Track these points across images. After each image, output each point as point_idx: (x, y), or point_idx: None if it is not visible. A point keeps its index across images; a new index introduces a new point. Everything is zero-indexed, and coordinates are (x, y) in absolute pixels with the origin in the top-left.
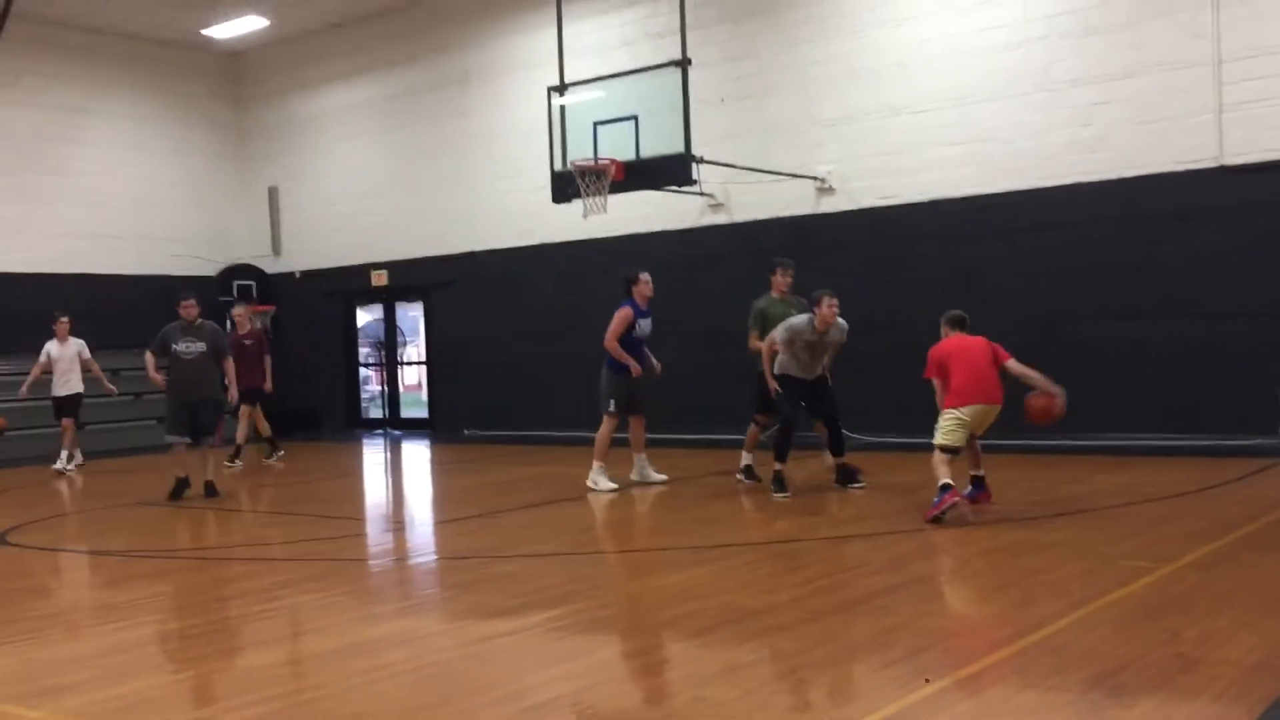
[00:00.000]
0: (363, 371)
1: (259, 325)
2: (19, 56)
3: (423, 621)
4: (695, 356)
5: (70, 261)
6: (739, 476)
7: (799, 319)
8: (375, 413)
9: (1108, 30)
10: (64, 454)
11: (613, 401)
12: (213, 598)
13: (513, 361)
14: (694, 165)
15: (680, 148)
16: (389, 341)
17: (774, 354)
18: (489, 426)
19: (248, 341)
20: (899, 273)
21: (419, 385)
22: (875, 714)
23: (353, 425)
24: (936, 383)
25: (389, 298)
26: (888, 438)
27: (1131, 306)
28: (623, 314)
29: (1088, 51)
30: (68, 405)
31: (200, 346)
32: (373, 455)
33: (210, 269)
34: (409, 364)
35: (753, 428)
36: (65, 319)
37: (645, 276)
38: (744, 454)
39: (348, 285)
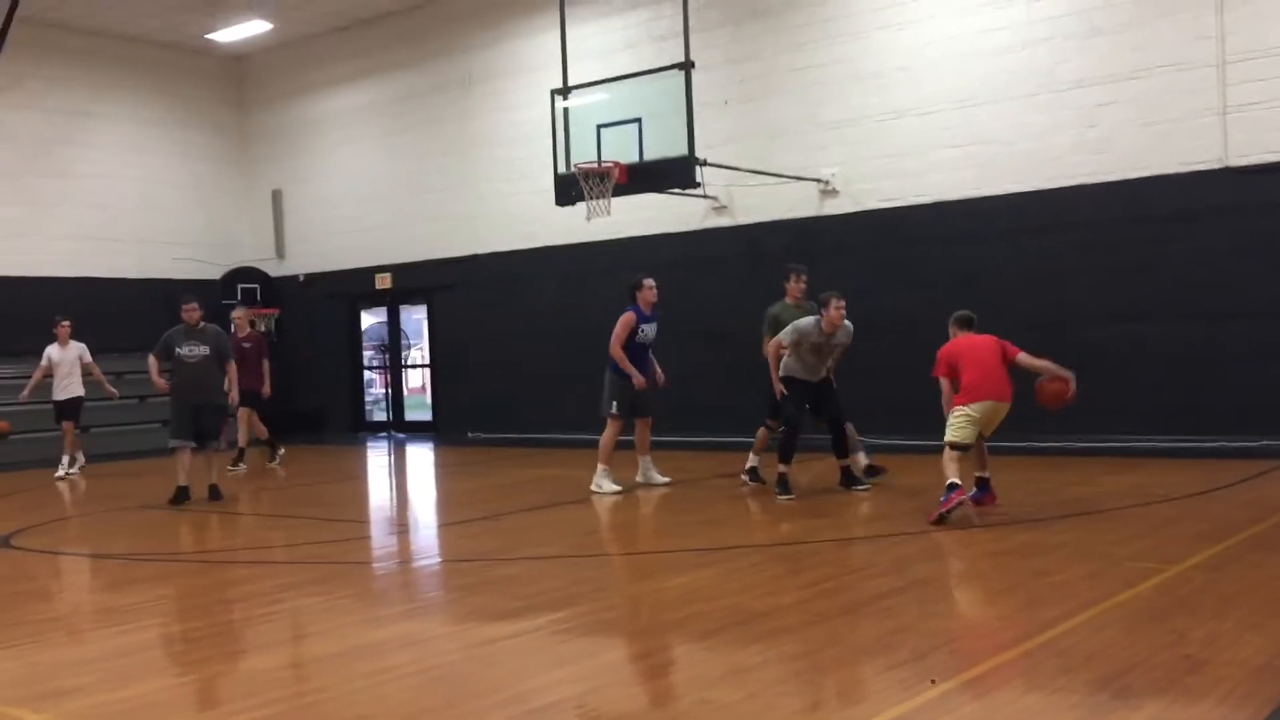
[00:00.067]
0: (367, 374)
1: (259, 328)
2: (22, 60)
3: (426, 624)
4: (698, 359)
5: (73, 265)
6: (743, 478)
7: (806, 321)
8: (379, 415)
9: (1112, 32)
10: (65, 459)
11: (615, 405)
12: (216, 601)
13: (516, 364)
14: (697, 168)
15: (683, 150)
16: (393, 344)
17: (780, 356)
18: (493, 429)
19: (247, 344)
20: (903, 275)
21: (423, 388)
22: (881, 716)
23: (357, 428)
24: (944, 383)
25: (393, 300)
26: (891, 439)
27: (1136, 308)
28: (626, 319)
29: (1092, 53)
30: (68, 409)
31: (203, 350)
32: (376, 458)
33: (214, 272)
34: (413, 367)
35: (762, 431)
36: (66, 322)
37: (649, 281)
38: (750, 455)
39: (351, 288)
